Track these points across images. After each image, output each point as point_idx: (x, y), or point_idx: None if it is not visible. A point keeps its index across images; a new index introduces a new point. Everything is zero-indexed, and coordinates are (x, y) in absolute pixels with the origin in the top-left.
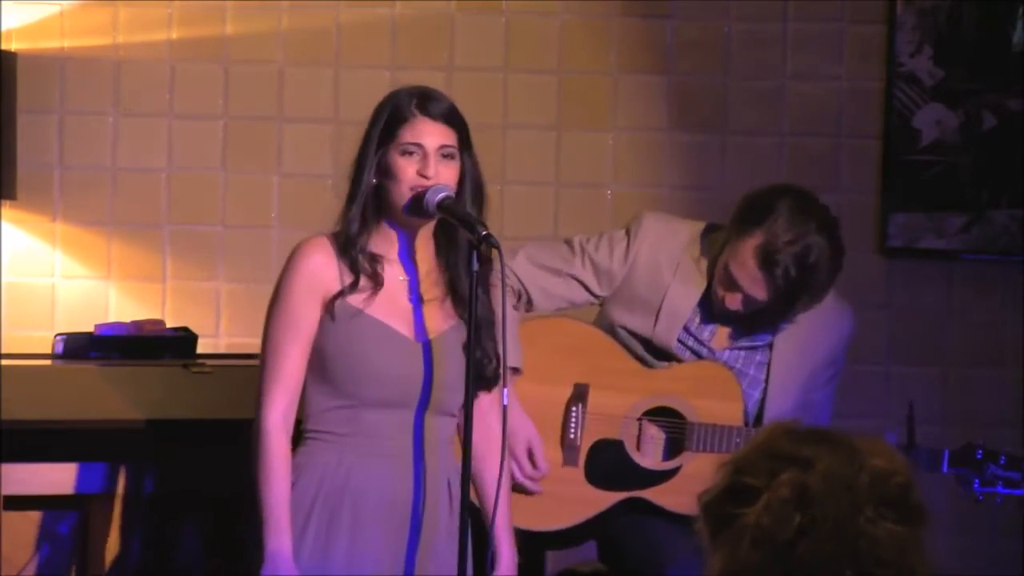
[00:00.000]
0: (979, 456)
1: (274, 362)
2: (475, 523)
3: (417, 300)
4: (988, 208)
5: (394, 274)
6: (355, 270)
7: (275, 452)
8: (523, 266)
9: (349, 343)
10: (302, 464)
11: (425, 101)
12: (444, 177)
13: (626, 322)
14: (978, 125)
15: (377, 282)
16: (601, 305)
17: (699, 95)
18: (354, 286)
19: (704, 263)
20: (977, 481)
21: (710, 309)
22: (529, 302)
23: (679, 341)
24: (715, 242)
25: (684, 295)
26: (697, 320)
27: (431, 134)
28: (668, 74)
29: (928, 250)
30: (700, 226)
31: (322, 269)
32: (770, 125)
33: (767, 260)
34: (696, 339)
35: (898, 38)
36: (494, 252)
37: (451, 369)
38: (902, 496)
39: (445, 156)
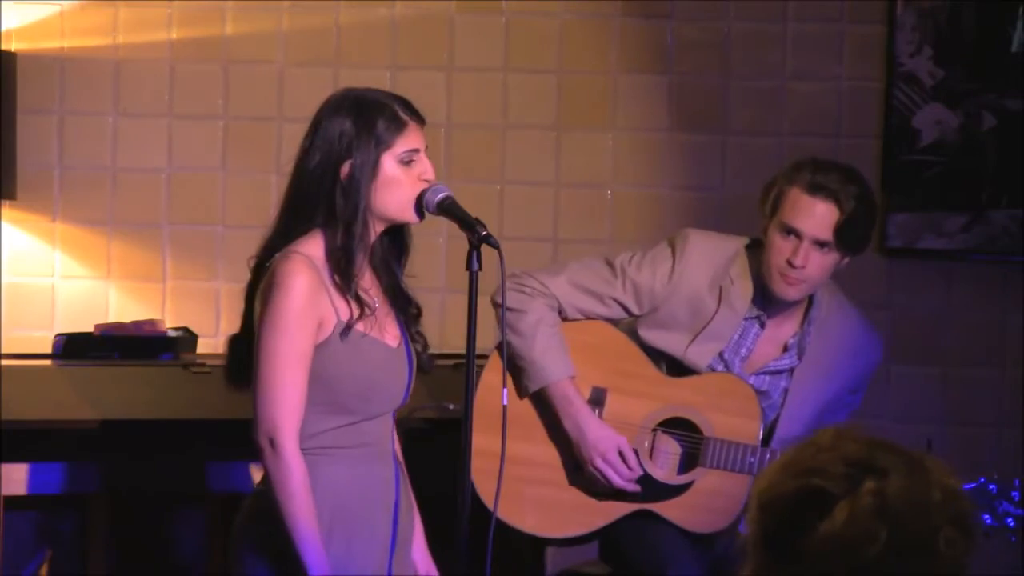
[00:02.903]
0: (992, 491)
1: (283, 390)
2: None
3: (383, 306)
4: (988, 208)
5: (366, 286)
6: (351, 297)
7: (300, 480)
8: (563, 287)
9: (354, 365)
10: (312, 478)
11: (407, 105)
12: (433, 174)
13: (655, 340)
14: (978, 125)
15: (371, 311)
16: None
17: (699, 95)
18: (357, 317)
19: (747, 282)
20: (989, 517)
21: (747, 329)
22: (563, 314)
23: (709, 366)
24: (756, 257)
25: (728, 319)
26: (735, 341)
27: (422, 138)
28: (668, 74)
29: (928, 250)
30: (741, 242)
31: (313, 291)
32: (770, 125)
33: (818, 185)
34: (726, 364)
35: (898, 38)
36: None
37: (414, 369)
38: (967, 517)
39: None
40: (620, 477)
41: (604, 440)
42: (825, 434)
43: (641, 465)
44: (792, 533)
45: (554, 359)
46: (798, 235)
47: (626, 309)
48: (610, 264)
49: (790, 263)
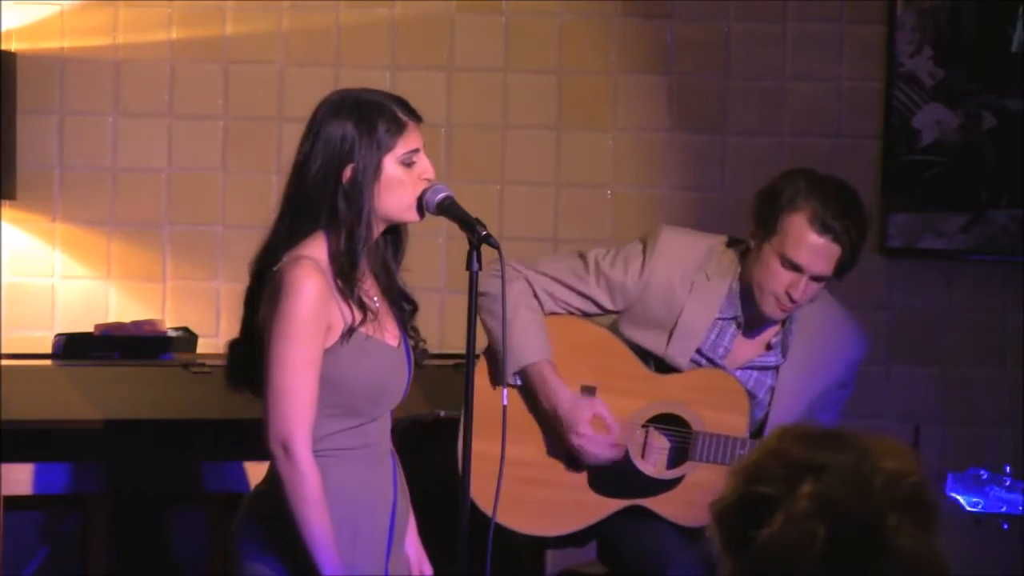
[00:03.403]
0: (984, 477)
1: (295, 396)
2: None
3: (382, 306)
4: (988, 208)
5: (366, 288)
6: (355, 303)
7: (314, 485)
8: (539, 277)
9: (361, 368)
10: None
11: (405, 105)
12: (433, 172)
13: (638, 339)
14: (978, 125)
15: (372, 314)
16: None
17: (699, 95)
18: (360, 320)
19: (723, 281)
20: (980, 504)
21: (724, 328)
22: (538, 302)
23: (692, 362)
24: (734, 258)
25: (699, 315)
26: (712, 340)
27: (420, 137)
28: (668, 74)
29: (928, 250)
30: (718, 240)
31: (323, 296)
32: (770, 125)
33: (826, 225)
34: (709, 360)
35: (898, 38)
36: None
37: (412, 367)
38: (916, 497)
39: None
40: (599, 447)
41: (575, 412)
42: (771, 436)
43: (633, 460)
44: (741, 540)
45: (533, 341)
46: (799, 269)
47: (599, 304)
48: (583, 259)
49: (789, 296)
